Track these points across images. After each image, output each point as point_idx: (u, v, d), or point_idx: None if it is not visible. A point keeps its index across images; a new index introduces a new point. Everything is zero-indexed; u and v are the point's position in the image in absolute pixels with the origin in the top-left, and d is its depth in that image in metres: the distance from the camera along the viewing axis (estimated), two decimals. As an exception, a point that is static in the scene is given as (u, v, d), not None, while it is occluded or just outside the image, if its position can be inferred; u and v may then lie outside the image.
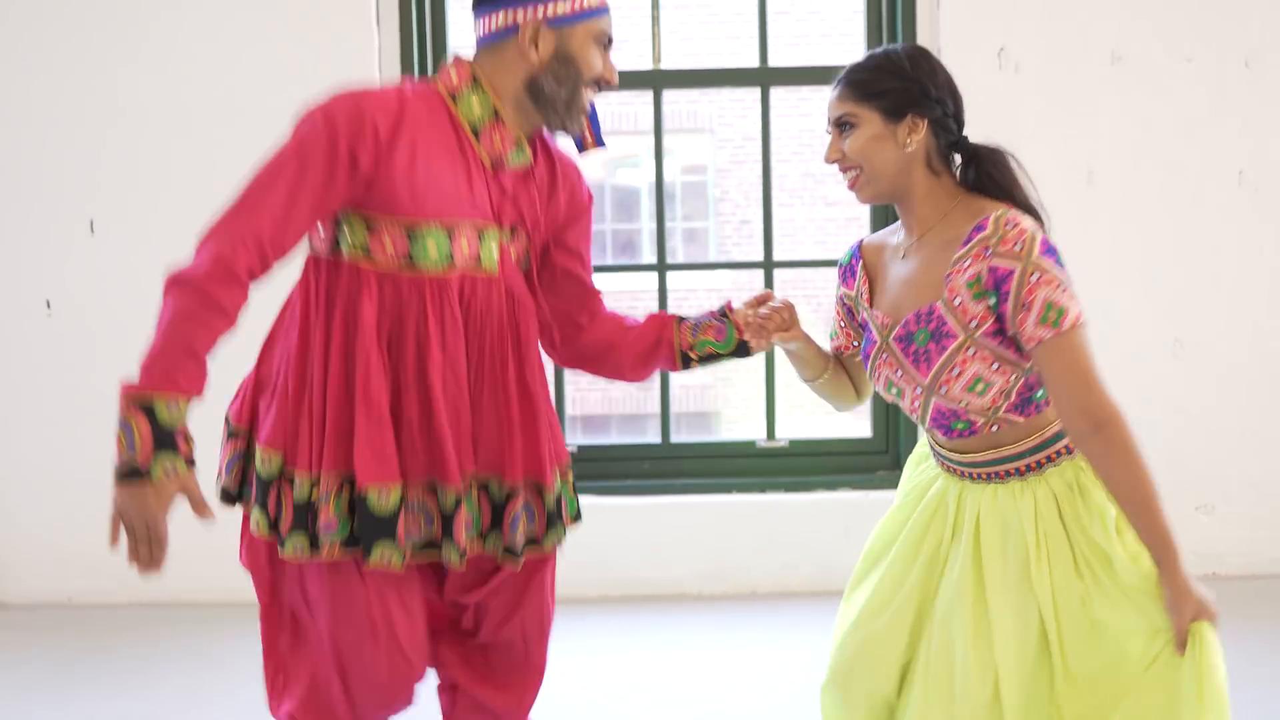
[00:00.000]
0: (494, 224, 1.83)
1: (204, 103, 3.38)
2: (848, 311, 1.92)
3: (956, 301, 1.67)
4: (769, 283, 3.53)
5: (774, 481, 3.53)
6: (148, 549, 1.63)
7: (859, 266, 1.87)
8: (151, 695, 2.87)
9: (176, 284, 1.66)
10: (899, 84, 1.73)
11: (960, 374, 1.68)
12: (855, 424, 4.40)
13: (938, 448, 1.83)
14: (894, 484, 2.01)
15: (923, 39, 3.35)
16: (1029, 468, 1.74)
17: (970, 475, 1.78)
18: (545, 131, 1.89)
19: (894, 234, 1.85)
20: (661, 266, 3.59)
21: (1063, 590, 1.67)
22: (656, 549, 3.53)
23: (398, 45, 3.40)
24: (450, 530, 1.79)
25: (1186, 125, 3.39)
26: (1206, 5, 3.35)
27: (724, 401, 10.00)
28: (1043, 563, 1.69)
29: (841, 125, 1.76)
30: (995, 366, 1.68)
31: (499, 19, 1.81)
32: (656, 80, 3.43)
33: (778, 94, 3.76)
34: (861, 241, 1.91)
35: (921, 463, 1.94)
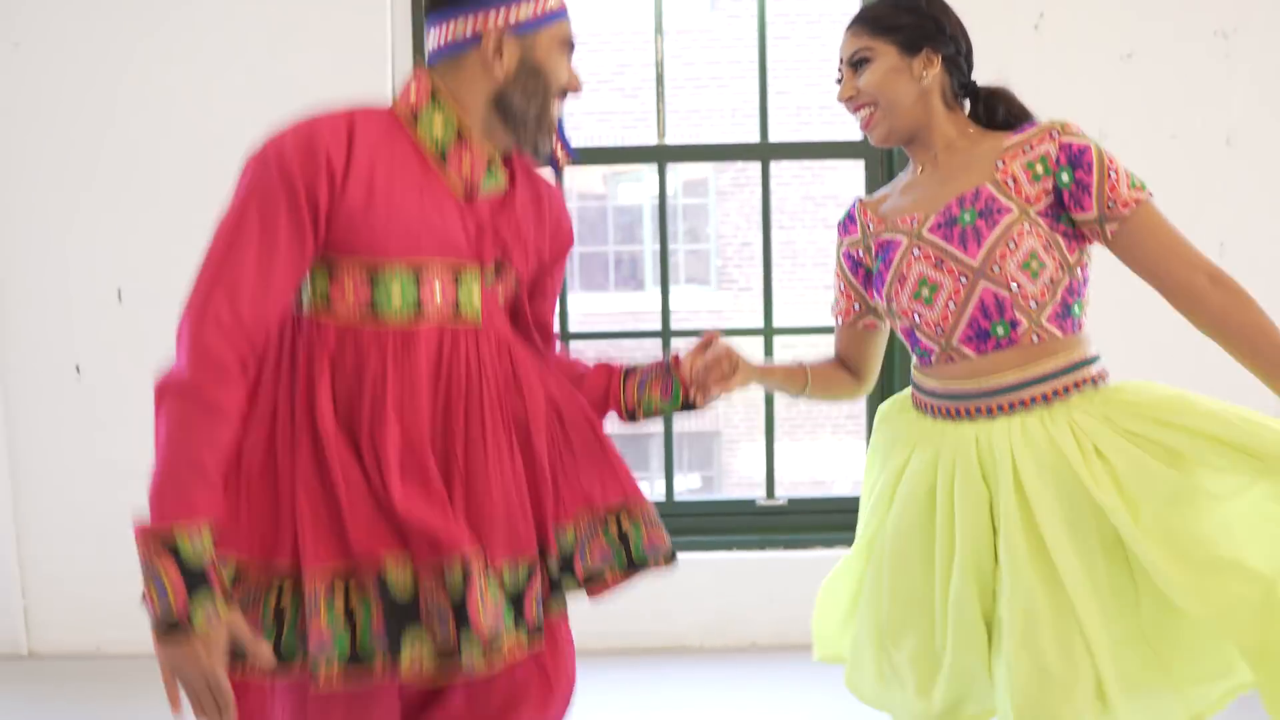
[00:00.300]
0: (473, 262, 1.58)
1: (229, 176, 3.53)
2: (851, 266, 1.88)
3: (1009, 182, 1.69)
4: (768, 350, 3.67)
5: (773, 539, 3.68)
6: (213, 703, 1.45)
7: (858, 214, 1.87)
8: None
9: (166, 392, 1.48)
10: (914, 19, 1.75)
11: (1016, 248, 1.65)
12: (853, 486, 4.55)
13: (949, 388, 1.72)
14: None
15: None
16: (1055, 393, 1.67)
17: (989, 410, 1.69)
18: (518, 151, 1.67)
19: (892, 186, 1.87)
20: (666, 334, 3.73)
21: (1145, 490, 1.60)
22: (659, 603, 3.67)
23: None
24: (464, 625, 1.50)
25: (1171, 199, 3.53)
26: (1190, 87, 3.50)
27: (724, 421, 10.20)
28: (1100, 477, 1.61)
29: (856, 63, 1.75)
30: (1047, 247, 1.67)
31: (458, 27, 1.60)
32: (662, 155, 3.58)
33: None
34: (858, 199, 1.93)
35: (903, 412, 1.86)
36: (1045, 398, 1.68)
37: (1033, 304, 1.67)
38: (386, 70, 3.49)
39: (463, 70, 1.59)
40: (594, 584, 1.69)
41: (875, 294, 1.82)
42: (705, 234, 10.80)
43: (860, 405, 3.72)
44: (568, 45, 1.65)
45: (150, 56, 3.51)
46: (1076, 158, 1.68)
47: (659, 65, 3.58)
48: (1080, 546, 1.62)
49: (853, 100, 1.77)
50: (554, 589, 1.63)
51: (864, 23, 1.77)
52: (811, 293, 10.16)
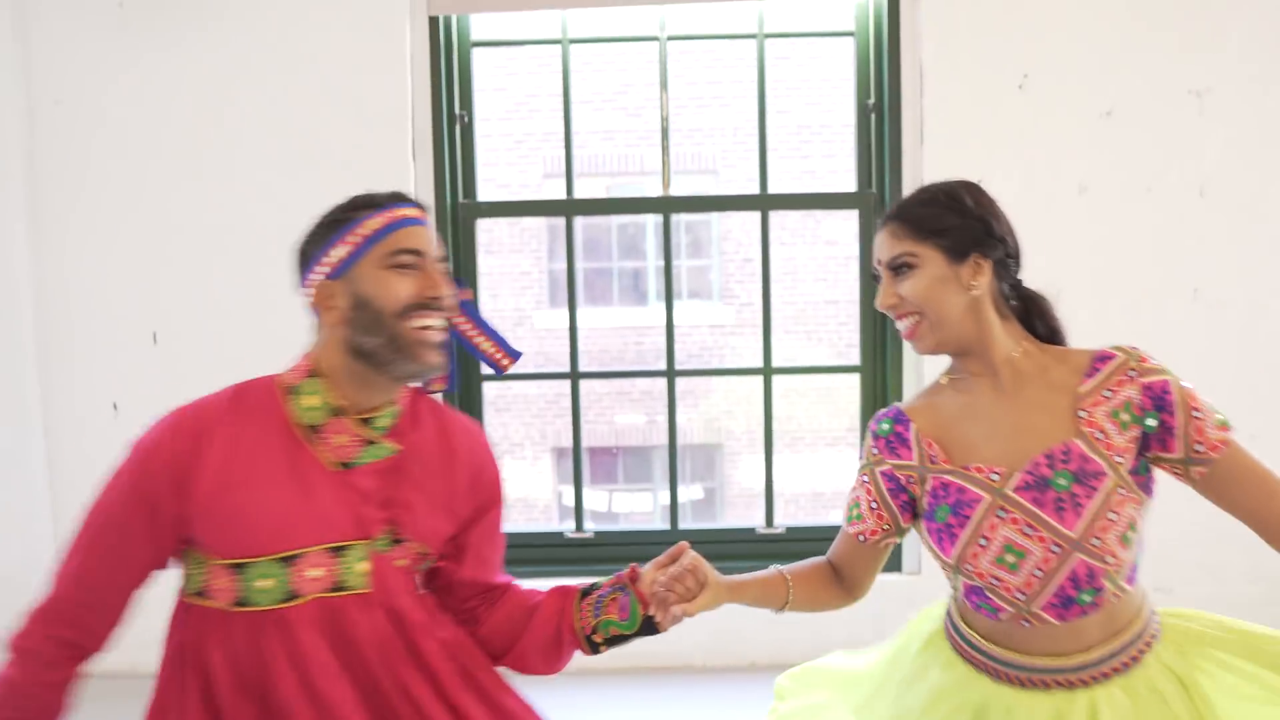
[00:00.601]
0: (356, 537, 1.50)
1: (255, 225, 3.73)
2: (892, 490, 1.63)
3: (1098, 436, 1.50)
4: (768, 388, 3.86)
5: (771, 564, 3.87)
6: None
7: (912, 433, 1.61)
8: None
9: (11, 650, 1.54)
10: (961, 220, 1.55)
11: (1117, 519, 1.48)
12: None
13: (1026, 661, 1.53)
14: (887, 566, 1.88)
15: (908, 171, 3.68)
16: (1134, 658, 1.52)
17: (1069, 683, 1.51)
18: (409, 386, 1.59)
19: (937, 394, 1.65)
20: (670, 373, 3.91)
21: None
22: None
23: (431, 176, 3.74)
24: None
25: (1146, 248, 3.73)
26: (1166, 143, 3.68)
27: (727, 434, 10.34)
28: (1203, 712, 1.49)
29: (898, 268, 1.57)
30: (1139, 510, 1.51)
31: (303, 299, 1.59)
32: (666, 206, 3.75)
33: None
34: (898, 407, 1.67)
35: (950, 668, 1.63)
36: (1126, 665, 1.52)
37: (1119, 575, 1.52)
38: (407, 127, 3.68)
39: (320, 335, 1.57)
40: None
41: (932, 537, 1.61)
42: (708, 249, 10.98)
43: (857, 418, 3.91)
44: (399, 258, 1.52)
45: (183, 112, 3.70)
46: (1160, 400, 1.51)
47: (664, 120, 3.78)
48: None
49: (895, 309, 1.58)
50: None
51: (904, 223, 1.56)
52: (811, 308, 10.35)
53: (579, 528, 3.89)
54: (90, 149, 3.72)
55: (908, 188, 3.66)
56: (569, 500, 9.14)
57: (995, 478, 1.51)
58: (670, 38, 3.72)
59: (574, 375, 3.79)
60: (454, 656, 1.59)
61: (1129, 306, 3.70)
